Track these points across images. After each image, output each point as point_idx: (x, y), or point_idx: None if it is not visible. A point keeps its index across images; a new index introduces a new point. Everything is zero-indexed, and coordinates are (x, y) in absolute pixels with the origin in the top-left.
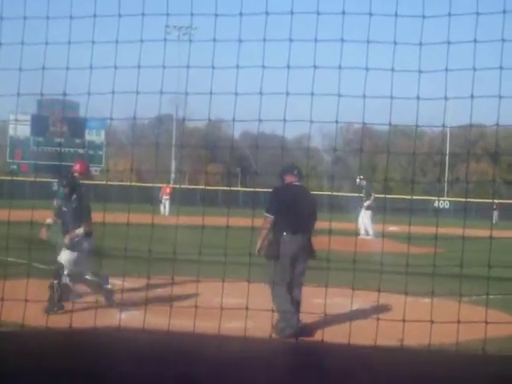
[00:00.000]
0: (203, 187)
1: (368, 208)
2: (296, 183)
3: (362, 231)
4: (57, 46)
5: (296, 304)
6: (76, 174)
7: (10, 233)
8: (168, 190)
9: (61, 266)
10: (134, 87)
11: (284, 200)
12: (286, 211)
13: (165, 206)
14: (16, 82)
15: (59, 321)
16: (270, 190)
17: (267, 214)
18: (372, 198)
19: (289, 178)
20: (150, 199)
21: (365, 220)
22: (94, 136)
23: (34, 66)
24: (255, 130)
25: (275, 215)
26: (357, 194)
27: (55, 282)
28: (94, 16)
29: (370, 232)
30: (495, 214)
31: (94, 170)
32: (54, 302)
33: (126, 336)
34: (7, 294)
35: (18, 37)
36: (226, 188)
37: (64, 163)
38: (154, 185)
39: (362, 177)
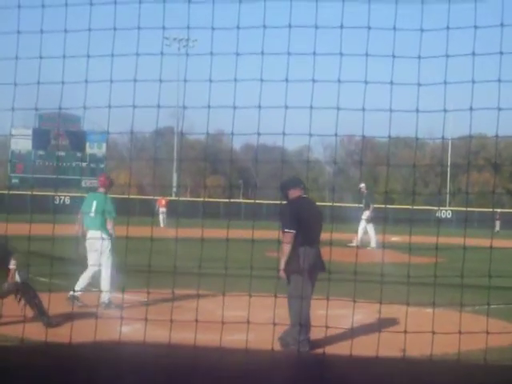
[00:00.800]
0: (204, 199)
1: (369, 221)
2: (304, 196)
3: (357, 242)
4: (53, 61)
5: (307, 319)
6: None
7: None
8: (163, 202)
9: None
10: (134, 100)
11: (300, 214)
12: (303, 225)
13: (163, 218)
14: (15, 97)
15: (59, 334)
16: (278, 203)
17: (289, 230)
18: (371, 208)
19: (296, 192)
20: (150, 212)
21: (370, 232)
22: (95, 149)
23: (30, 80)
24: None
25: (295, 230)
26: (357, 205)
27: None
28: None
29: (373, 243)
30: (497, 223)
31: (96, 183)
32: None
33: (127, 350)
34: (7, 309)
35: (12, 51)
36: (226, 200)
37: (65, 176)
38: (154, 197)
39: (363, 185)
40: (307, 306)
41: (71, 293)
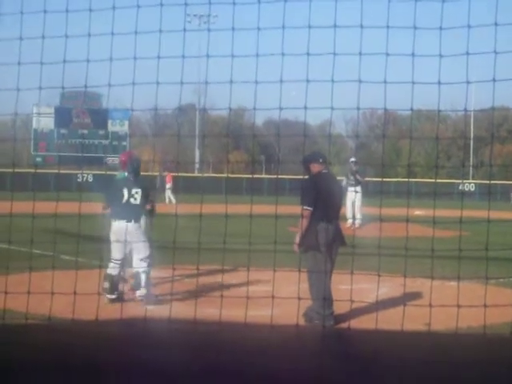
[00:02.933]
0: (227, 175)
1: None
2: (324, 171)
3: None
4: (77, 39)
5: (330, 294)
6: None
7: (35, 225)
8: (170, 178)
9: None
10: (155, 77)
11: (319, 189)
12: (322, 200)
13: (168, 196)
14: (38, 76)
15: (85, 313)
16: (300, 178)
17: (307, 207)
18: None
19: (317, 167)
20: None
21: (358, 203)
22: (117, 127)
23: (54, 59)
24: (279, 118)
25: (313, 207)
26: (380, 179)
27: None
28: (138, 6)
29: (359, 216)
30: None
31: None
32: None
33: (153, 327)
34: (33, 287)
35: (39, 31)
36: (249, 176)
37: (87, 154)
38: (180, 174)
39: (354, 159)
40: (327, 281)
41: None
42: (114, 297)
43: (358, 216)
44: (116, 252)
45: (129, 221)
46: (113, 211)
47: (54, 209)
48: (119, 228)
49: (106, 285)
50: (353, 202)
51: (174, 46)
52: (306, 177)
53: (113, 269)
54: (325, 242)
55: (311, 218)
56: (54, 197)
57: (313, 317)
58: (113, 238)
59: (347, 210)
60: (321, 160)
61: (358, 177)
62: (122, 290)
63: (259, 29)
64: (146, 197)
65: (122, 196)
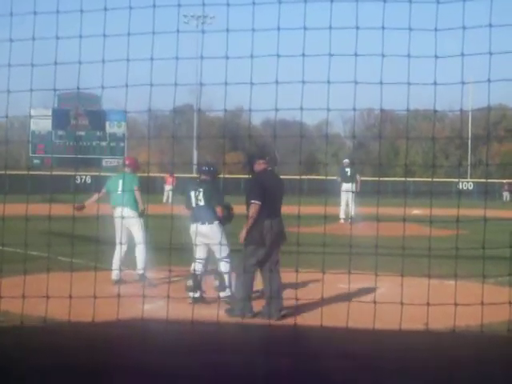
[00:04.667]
0: (223, 176)
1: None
2: (268, 169)
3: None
4: (71, 41)
5: (278, 290)
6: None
7: (33, 227)
8: (170, 180)
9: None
10: (154, 79)
11: (265, 187)
12: (267, 197)
13: (168, 196)
14: (33, 78)
15: (82, 314)
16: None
17: (255, 201)
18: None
19: (261, 165)
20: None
21: (350, 205)
22: (115, 128)
23: (49, 61)
24: (277, 118)
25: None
26: (377, 178)
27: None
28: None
29: (353, 214)
30: (505, 194)
31: (116, 162)
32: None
33: (150, 327)
34: (27, 289)
35: (29, 32)
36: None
37: (85, 156)
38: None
39: (347, 161)
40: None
41: (113, 276)
42: (197, 295)
43: (352, 214)
44: (197, 252)
45: (202, 223)
46: (189, 214)
47: (55, 210)
48: (193, 230)
49: (190, 283)
50: (347, 202)
51: (171, 48)
52: (250, 176)
53: (197, 267)
54: (269, 237)
55: (258, 213)
56: (52, 199)
57: (234, 309)
58: (193, 239)
59: (341, 210)
60: (266, 158)
61: (358, 177)
62: (204, 290)
63: (254, 30)
64: (214, 200)
65: (192, 199)
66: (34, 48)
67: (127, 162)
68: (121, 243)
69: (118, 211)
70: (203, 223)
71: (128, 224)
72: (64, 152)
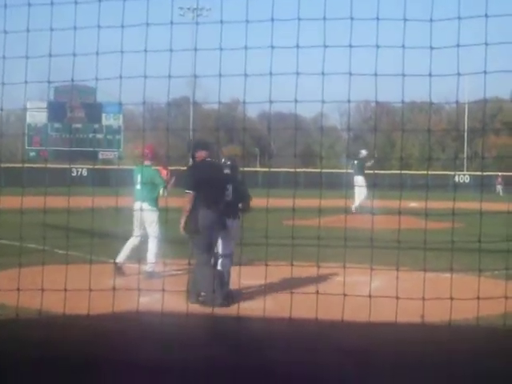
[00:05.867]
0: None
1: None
2: (207, 159)
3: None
4: (66, 33)
5: (223, 276)
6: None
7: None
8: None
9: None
10: (150, 71)
11: (200, 176)
12: (202, 187)
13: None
14: (29, 70)
15: (80, 307)
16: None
17: (188, 191)
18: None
19: (201, 155)
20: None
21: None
22: (111, 120)
23: (42, 53)
24: (273, 110)
25: (194, 191)
26: (372, 171)
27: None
28: None
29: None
30: (499, 187)
31: (113, 154)
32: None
33: (147, 320)
34: (23, 282)
35: (23, 24)
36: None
37: (82, 148)
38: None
39: (365, 152)
40: (211, 262)
41: (116, 263)
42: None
43: (357, 204)
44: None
45: (228, 217)
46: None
47: (51, 203)
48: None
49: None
50: (359, 194)
51: (167, 40)
52: (186, 166)
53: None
54: (204, 226)
55: (194, 203)
56: (49, 191)
57: (205, 301)
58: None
59: (356, 201)
60: (207, 148)
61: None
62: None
63: (248, 21)
64: (239, 193)
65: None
66: (29, 40)
67: (146, 151)
68: (137, 236)
69: (137, 205)
70: (229, 218)
71: (145, 218)
72: (60, 144)
